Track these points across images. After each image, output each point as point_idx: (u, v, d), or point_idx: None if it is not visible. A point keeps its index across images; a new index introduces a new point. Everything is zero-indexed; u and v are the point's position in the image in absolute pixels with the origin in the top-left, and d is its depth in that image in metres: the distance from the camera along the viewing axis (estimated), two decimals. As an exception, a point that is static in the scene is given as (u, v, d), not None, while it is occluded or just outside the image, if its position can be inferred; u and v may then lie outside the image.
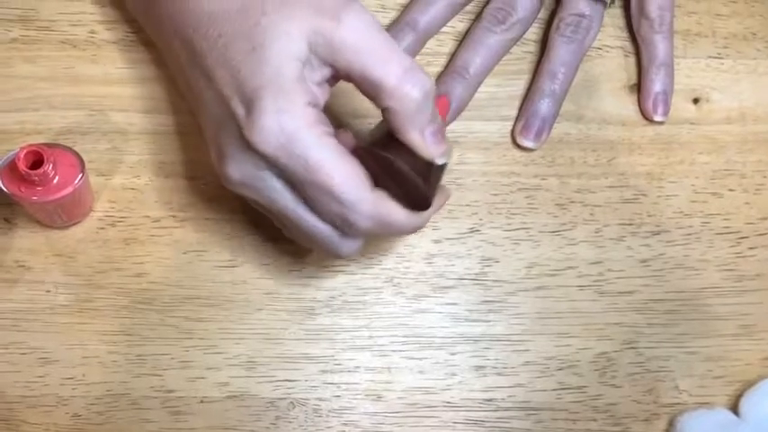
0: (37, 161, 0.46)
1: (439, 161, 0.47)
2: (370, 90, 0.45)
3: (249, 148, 0.45)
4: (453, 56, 0.58)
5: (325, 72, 0.46)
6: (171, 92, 0.56)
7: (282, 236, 0.54)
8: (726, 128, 0.59)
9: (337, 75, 0.46)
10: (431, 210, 0.48)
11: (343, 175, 0.45)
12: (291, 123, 0.44)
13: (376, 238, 0.49)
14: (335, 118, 0.56)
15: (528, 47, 0.60)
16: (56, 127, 0.54)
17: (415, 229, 0.49)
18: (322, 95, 0.46)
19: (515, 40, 0.59)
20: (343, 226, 0.47)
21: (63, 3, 0.56)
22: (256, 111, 0.44)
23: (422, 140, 0.46)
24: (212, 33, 0.46)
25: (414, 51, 0.58)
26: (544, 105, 0.57)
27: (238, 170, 0.46)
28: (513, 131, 0.58)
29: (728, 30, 0.61)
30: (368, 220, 0.46)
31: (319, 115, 0.45)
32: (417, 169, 0.46)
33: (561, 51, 0.58)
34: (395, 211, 0.47)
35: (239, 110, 0.45)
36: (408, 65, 0.45)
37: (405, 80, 0.45)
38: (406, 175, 0.46)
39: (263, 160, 0.45)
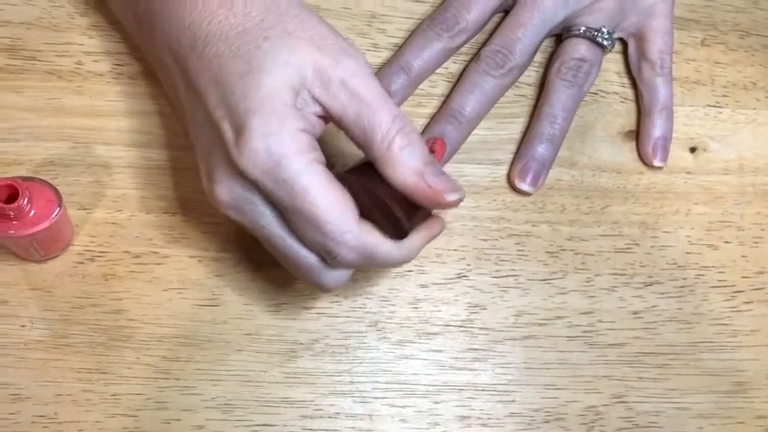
0: (12, 195, 0.46)
1: (449, 198, 0.45)
2: (360, 136, 0.45)
3: (237, 172, 0.44)
4: (448, 97, 0.57)
5: (317, 109, 0.45)
6: (157, 126, 0.55)
7: (265, 276, 0.53)
8: (723, 178, 0.58)
9: (326, 115, 0.45)
10: (420, 240, 0.47)
11: (329, 205, 0.44)
12: (280, 148, 0.43)
13: (362, 270, 0.48)
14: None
15: (520, 90, 0.59)
16: (37, 158, 0.54)
17: (402, 262, 0.47)
18: (318, 125, 0.46)
19: (510, 85, 0.58)
20: (328, 257, 0.46)
21: (50, 33, 0.56)
22: (246, 133, 0.43)
23: (422, 184, 0.45)
24: (208, 53, 0.45)
25: (406, 94, 0.57)
26: (543, 149, 0.56)
27: (226, 193, 0.45)
28: (509, 174, 0.57)
29: (728, 78, 0.60)
30: (352, 252, 0.45)
31: (312, 142, 0.44)
32: (398, 198, 0.45)
33: (561, 95, 0.57)
34: (381, 244, 0.45)
35: (228, 133, 0.44)
36: (396, 114, 0.44)
37: (393, 129, 0.44)
38: (387, 205, 0.45)
39: (251, 184, 0.44)
